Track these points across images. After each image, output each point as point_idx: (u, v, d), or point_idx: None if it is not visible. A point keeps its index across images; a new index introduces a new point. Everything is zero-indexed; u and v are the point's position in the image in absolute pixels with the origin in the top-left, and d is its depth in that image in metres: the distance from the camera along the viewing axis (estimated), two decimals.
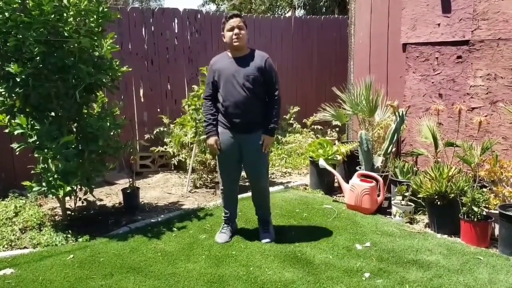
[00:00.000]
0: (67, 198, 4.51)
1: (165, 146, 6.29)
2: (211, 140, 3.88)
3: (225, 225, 4.17)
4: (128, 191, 5.02)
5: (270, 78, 3.82)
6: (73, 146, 4.17)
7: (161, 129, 6.55)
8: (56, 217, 4.63)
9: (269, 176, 6.23)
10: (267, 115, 3.83)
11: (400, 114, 4.99)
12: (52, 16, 3.94)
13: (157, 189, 5.89)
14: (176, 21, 6.97)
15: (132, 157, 6.11)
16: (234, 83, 3.74)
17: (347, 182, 4.96)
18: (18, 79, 3.93)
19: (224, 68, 3.82)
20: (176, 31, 7.00)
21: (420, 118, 5.19)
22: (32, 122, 4.04)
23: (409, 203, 4.52)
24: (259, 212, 4.18)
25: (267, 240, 4.00)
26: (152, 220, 4.55)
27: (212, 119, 3.90)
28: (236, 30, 3.74)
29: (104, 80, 4.35)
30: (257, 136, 3.83)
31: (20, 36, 3.84)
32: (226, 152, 3.91)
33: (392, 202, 4.66)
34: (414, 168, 4.98)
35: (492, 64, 4.58)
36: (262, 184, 4.04)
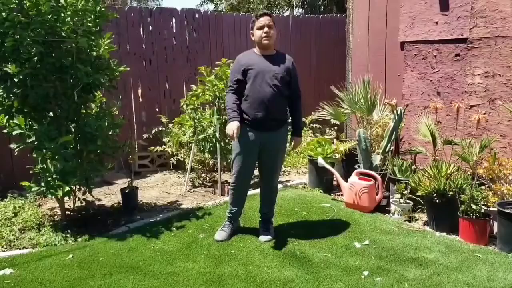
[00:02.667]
0: (66, 198, 4.50)
1: (163, 146, 6.28)
2: (233, 125, 3.70)
3: (228, 223, 4.16)
4: (127, 190, 5.01)
5: (296, 80, 3.94)
6: (72, 146, 4.17)
7: (160, 128, 6.55)
8: (55, 217, 4.62)
9: None
10: (292, 117, 3.97)
11: (399, 113, 5.00)
12: (50, 16, 3.93)
13: (156, 189, 5.88)
14: (174, 20, 6.96)
15: (130, 156, 6.11)
16: (263, 79, 3.76)
17: (346, 181, 4.96)
18: (16, 80, 3.92)
19: (254, 63, 3.82)
20: (174, 30, 6.99)
21: (418, 116, 5.20)
22: (30, 123, 4.03)
23: (408, 201, 4.53)
24: (264, 210, 4.17)
25: (267, 238, 3.99)
26: (151, 220, 4.55)
27: (236, 107, 3.82)
28: (266, 29, 3.76)
29: (102, 80, 4.34)
30: (280, 133, 3.91)
31: (18, 36, 3.83)
32: (246, 150, 3.89)
33: (391, 200, 4.66)
34: (413, 166, 4.99)
35: (490, 62, 4.59)
36: (274, 182, 4.10)
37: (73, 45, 4.09)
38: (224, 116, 5.47)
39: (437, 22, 5.04)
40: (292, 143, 4.08)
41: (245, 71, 3.82)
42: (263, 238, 4.01)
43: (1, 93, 4.04)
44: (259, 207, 4.23)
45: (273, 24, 3.82)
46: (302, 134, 7.26)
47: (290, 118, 4.07)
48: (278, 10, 16.56)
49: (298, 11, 15.04)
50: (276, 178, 4.09)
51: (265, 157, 3.94)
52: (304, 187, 5.72)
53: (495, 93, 4.57)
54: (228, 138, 4.06)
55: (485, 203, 3.99)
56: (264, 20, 3.79)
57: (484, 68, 4.64)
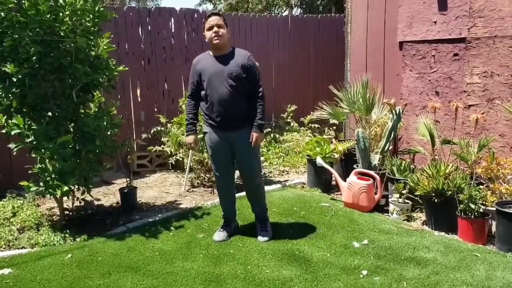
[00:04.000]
0: (65, 198, 4.51)
1: (162, 146, 6.28)
2: (189, 139, 4.01)
3: (224, 224, 4.17)
4: (126, 190, 5.01)
5: (253, 76, 3.83)
6: (70, 146, 4.17)
7: (159, 128, 6.55)
8: (54, 217, 4.62)
9: (267, 174, 6.26)
10: (253, 112, 3.84)
11: (397, 112, 5.00)
12: (48, 16, 3.93)
13: (154, 189, 5.88)
14: (172, 20, 6.96)
15: (129, 156, 6.11)
16: (218, 81, 3.76)
17: (345, 180, 4.96)
18: (14, 79, 3.92)
19: (207, 67, 3.83)
20: (173, 30, 6.98)
21: (417, 116, 5.20)
22: (29, 122, 4.04)
23: (406, 200, 4.53)
24: (255, 209, 4.19)
25: (265, 238, 4.00)
26: (149, 220, 4.55)
27: (192, 117, 3.98)
28: (215, 29, 3.74)
29: (100, 79, 4.34)
30: (245, 132, 3.85)
31: (16, 36, 3.84)
32: (217, 151, 3.94)
33: (390, 200, 4.66)
34: (411, 166, 4.99)
35: (488, 61, 4.59)
36: (255, 180, 4.05)
37: (72, 45, 4.09)
38: None
39: (435, 22, 5.05)
40: (251, 139, 3.83)
41: (200, 75, 3.86)
42: (262, 238, 4.01)
43: (0, 93, 4.04)
44: (251, 207, 4.23)
45: (223, 23, 3.80)
46: (302, 133, 7.34)
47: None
48: (277, 10, 16.55)
49: (296, 11, 15.05)
50: (256, 176, 4.04)
51: (237, 156, 3.95)
52: (303, 187, 5.72)
53: (494, 93, 4.58)
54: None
55: (484, 202, 3.99)
56: (212, 20, 3.77)
57: (483, 68, 4.64)
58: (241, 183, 4.22)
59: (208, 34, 3.78)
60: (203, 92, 3.87)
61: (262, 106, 3.86)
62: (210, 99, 3.80)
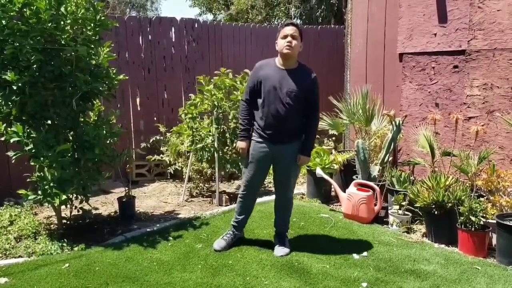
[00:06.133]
0: (63, 207, 4.48)
1: (161, 155, 6.27)
2: (242, 144, 3.90)
3: (230, 232, 4.12)
4: (124, 200, 4.99)
5: (313, 99, 3.81)
6: (69, 155, 4.15)
7: (158, 137, 6.54)
8: (52, 225, 4.59)
9: (266, 185, 6.25)
10: (303, 129, 3.83)
11: (397, 124, 5.00)
12: (49, 24, 3.93)
13: (153, 198, 5.86)
14: (173, 30, 6.98)
15: (128, 165, 6.09)
16: (276, 95, 3.69)
17: (344, 191, 4.95)
18: (14, 87, 3.91)
19: (269, 76, 3.74)
20: (173, 40, 7.00)
21: (416, 127, 5.20)
22: (28, 130, 4.02)
23: (406, 212, 4.51)
24: (278, 223, 4.12)
25: (284, 252, 3.91)
26: (148, 229, 4.52)
27: (247, 123, 3.89)
28: (289, 38, 3.65)
29: (100, 88, 4.34)
30: (291, 147, 3.82)
31: (17, 44, 3.83)
32: (258, 162, 3.88)
33: (389, 211, 4.65)
34: (411, 178, 4.98)
35: (488, 73, 4.60)
36: (288, 195, 4.02)
37: (73, 53, 4.09)
38: (222, 126, 5.47)
39: (435, 34, 5.07)
40: (298, 161, 3.86)
41: (260, 83, 3.77)
42: (279, 252, 3.92)
43: (0, 101, 4.03)
44: (273, 221, 4.18)
45: (298, 35, 3.69)
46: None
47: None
48: (277, 21, 16.63)
49: (296, 22, 15.11)
50: (289, 191, 4.01)
51: (277, 169, 3.93)
52: (302, 198, 5.70)
53: (494, 105, 4.58)
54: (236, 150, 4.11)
55: (484, 215, 3.98)
56: (289, 29, 3.69)
57: (483, 80, 4.65)
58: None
59: (281, 43, 3.70)
60: (259, 101, 3.79)
61: (315, 129, 3.87)
62: (266, 111, 3.74)
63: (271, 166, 3.98)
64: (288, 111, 3.70)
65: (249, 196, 4.06)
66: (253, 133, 3.90)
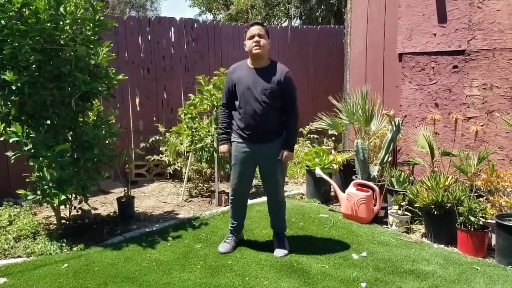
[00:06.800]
0: (62, 207, 4.48)
1: (160, 155, 6.27)
2: (224, 148, 3.96)
3: (230, 235, 4.12)
4: (123, 200, 4.99)
5: (288, 93, 3.77)
6: (69, 155, 4.15)
7: (157, 137, 6.54)
8: (51, 226, 4.59)
9: None
10: (283, 127, 3.82)
11: (396, 124, 5.00)
12: (49, 24, 3.93)
13: (152, 198, 5.86)
14: (172, 30, 6.98)
15: (127, 165, 6.08)
16: (251, 95, 3.70)
17: (344, 191, 4.95)
18: (13, 87, 3.91)
19: (242, 78, 3.77)
20: (172, 40, 7.00)
21: (416, 127, 5.20)
22: (27, 130, 4.02)
23: (406, 212, 4.51)
24: (274, 224, 4.11)
25: (283, 253, 3.89)
26: (147, 229, 4.52)
27: (226, 126, 3.92)
28: (256, 38, 3.67)
29: (100, 88, 4.33)
30: (273, 146, 3.81)
31: (16, 44, 3.83)
32: (241, 163, 3.88)
33: (389, 211, 4.64)
34: (411, 178, 4.98)
35: (488, 74, 4.60)
36: (278, 194, 3.99)
37: (72, 53, 4.09)
38: None
39: (435, 34, 5.06)
40: (282, 157, 3.81)
41: (234, 85, 3.81)
42: (279, 253, 3.90)
43: None
44: (270, 222, 4.16)
45: (264, 34, 3.73)
46: (301, 143, 7.33)
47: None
48: (277, 21, 16.63)
49: (296, 22, 15.12)
50: (279, 191, 3.98)
51: (262, 170, 3.93)
52: (302, 198, 5.70)
53: (493, 105, 4.58)
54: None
55: (483, 215, 3.97)
56: (254, 29, 3.72)
57: (482, 80, 4.65)
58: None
59: (249, 43, 3.73)
60: (237, 103, 3.81)
61: (295, 125, 3.83)
62: (243, 111, 3.75)
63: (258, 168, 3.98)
64: (265, 110, 3.70)
65: (238, 200, 4.06)
66: (233, 135, 3.92)
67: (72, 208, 4.63)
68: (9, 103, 4.03)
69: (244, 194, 4.06)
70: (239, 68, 3.86)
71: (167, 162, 6.18)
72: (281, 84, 3.71)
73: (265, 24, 3.91)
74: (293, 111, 3.81)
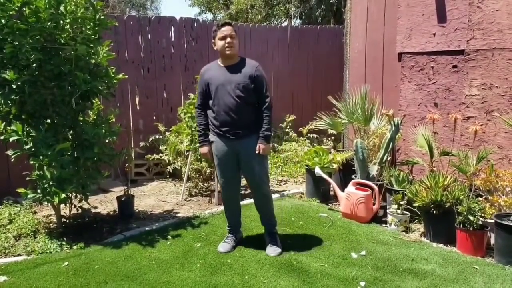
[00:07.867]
0: (62, 206, 4.49)
1: (160, 154, 6.27)
2: (204, 150, 4.01)
3: (230, 234, 4.13)
4: (123, 198, 5.00)
5: (261, 86, 3.81)
6: (69, 153, 4.16)
7: (157, 136, 6.54)
8: (51, 224, 4.60)
9: None
10: (260, 122, 3.82)
11: (396, 123, 5.01)
12: (49, 23, 3.94)
13: (152, 197, 5.86)
14: (172, 29, 6.99)
15: (127, 164, 6.09)
16: (225, 91, 3.74)
17: (343, 191, 4.96)
18: (14, 86, 3.92)
19: (214, 76, 3.83)
20: (172, 39, 7.01)
21: (415, 127, 5.21)
22: (27, 129, 4.03)
23: (405, 212, 4.52)
24: (264, 221, 4.12)
25: (275, 252, 3.90)
26: (146, 228, 4.53)
27: (203, 128, 3.97)
28: (228, 39, 3.73)
29: (100, 87, 4.34)
30: (251, 140, 3.82)
31: (17, 43, 3.84)
32: (223, 161, 3.91)
33: (388, 210, 4.65)
34: (410, 177, 4.99)
35: (487, 73, 4.61)
36: (262, 190, 3.98)
37: (72, 52, 4.09)
38: None
39: (434, 34, 5.07)
40: (258, 150, 3.81)
41: (207, 85, 3.85)
42: (271, 251, 3.92)
43: None
44: (259, 218, 4.18)
45: (235, 34, 3.79)
46: (300, 143, 7.34)
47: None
48: (276, 20, 16.64)
49: (296, 22, 15.12)
50: (262, 186, 3.97)
51: (243, 165, 3.91)
52: (301, 197, 5.71)
53: (492, 105, 4.59)
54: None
55: (482, 214, 3.98)
56: (226, 30, 3.75)
57: (481, 80, 4.66)
58: (242, 192, 4.17)
59: (220, 44, 3.77)
60: (210, 102, 3.86)
61: (269, 117, 3.83)
62: (217, 108, 3.79)
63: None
64: (239, 104, 3.73)
65: (229, 198, 4.08)
66: (211, 135, 3.95)
67: (72, 206, 4.64)
68: (9, 102, 4.05)
69: (233, 192, 4.06)
70: (210, 69, 3.94)
71: (167, 161, 6.18)
72: (253, 77, 3.77)
73: (233, 24, 3.99)
74: (265, 103, 3.83)
